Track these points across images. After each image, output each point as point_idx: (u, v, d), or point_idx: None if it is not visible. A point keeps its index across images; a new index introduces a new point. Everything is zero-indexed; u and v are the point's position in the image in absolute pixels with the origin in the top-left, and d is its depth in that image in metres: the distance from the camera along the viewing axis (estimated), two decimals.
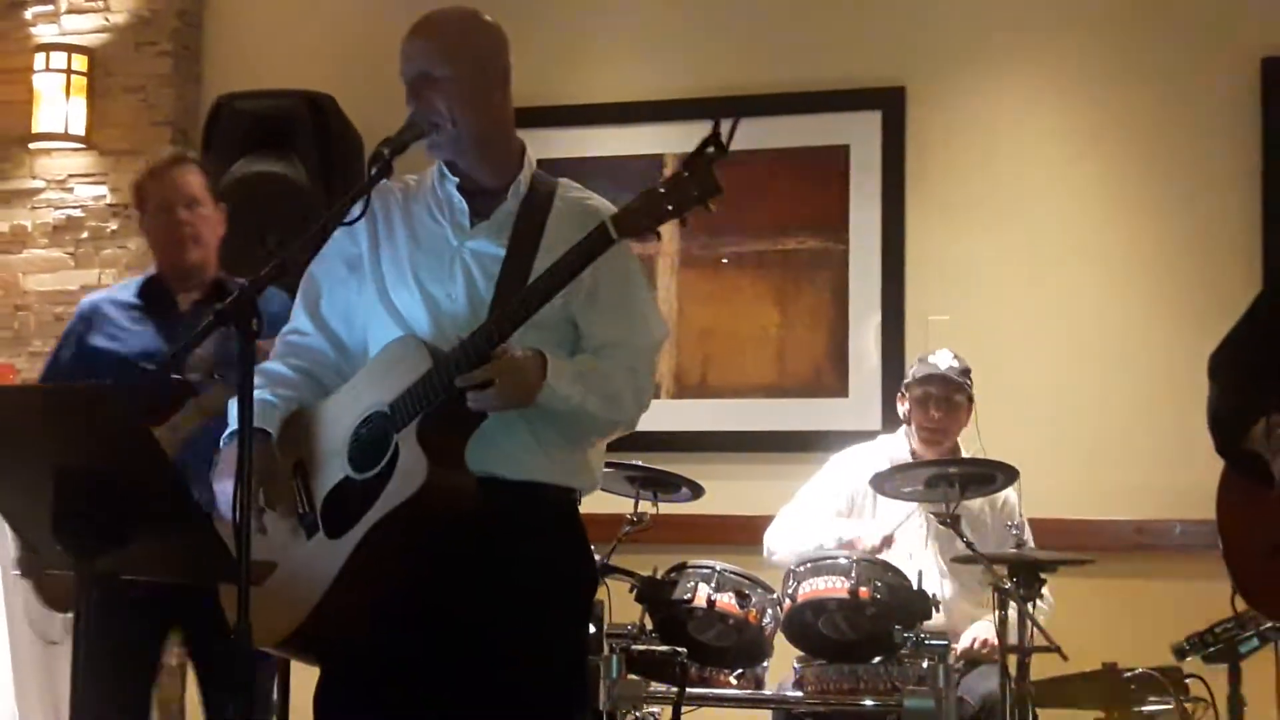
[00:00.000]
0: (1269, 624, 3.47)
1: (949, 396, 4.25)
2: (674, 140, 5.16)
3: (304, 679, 3.12)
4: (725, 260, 5.06)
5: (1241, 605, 3.37)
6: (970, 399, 4.28)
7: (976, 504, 4.18)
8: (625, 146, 5.20)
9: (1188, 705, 3.72)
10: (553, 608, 2.69)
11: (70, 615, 3.14)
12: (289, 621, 2.56)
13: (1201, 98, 4.79)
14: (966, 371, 4.29)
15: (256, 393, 2.64)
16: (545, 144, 5.04)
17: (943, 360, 4.29)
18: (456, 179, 2.75)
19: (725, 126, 2.45)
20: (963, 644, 4.00)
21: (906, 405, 4.34)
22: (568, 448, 2.72)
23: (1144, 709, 3.75)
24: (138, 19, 5.53)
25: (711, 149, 2.44)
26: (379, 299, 2.75)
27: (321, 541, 2.62)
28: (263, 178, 4.64)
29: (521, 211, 2.73)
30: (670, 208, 2.45)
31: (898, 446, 4.34)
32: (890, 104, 5.00)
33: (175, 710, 5.29)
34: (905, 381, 4.37)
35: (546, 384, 2.56)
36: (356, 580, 2.54)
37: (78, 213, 5.53)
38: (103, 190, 5.52)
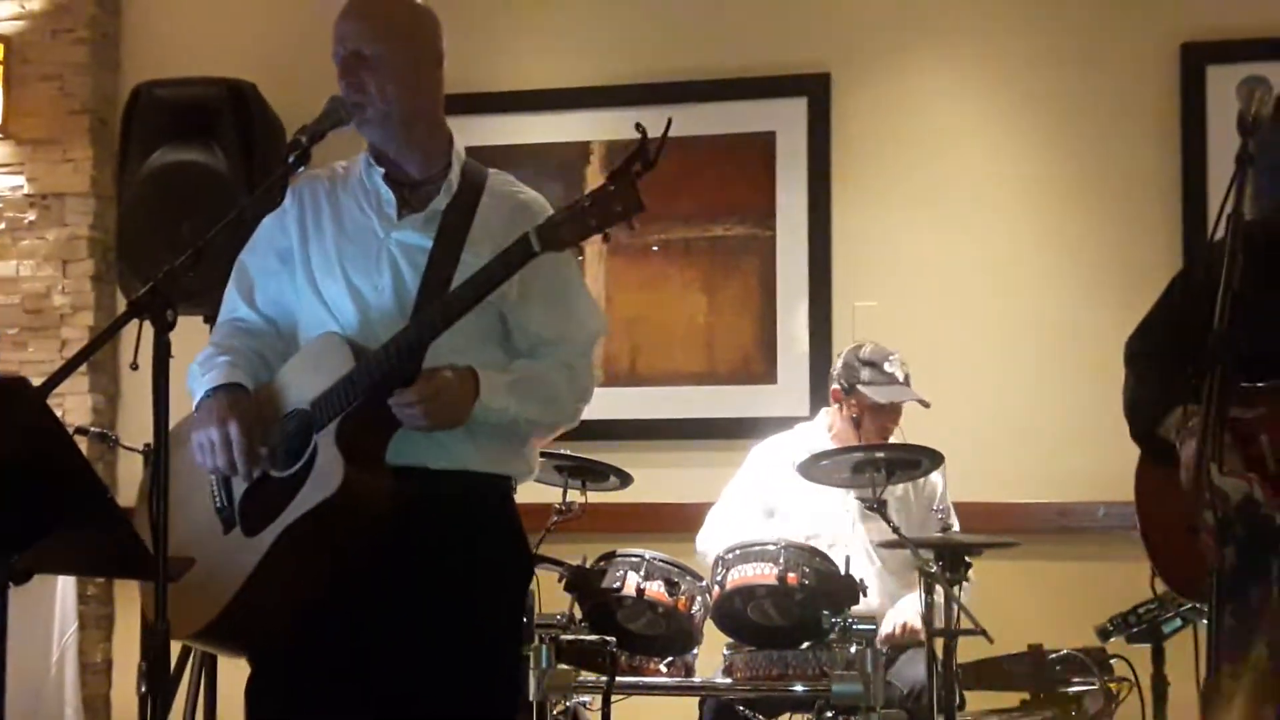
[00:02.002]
0: (1190, 604, 3.51)
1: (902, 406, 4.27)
2: (601, 127, 5.15)
3: (232, 673, 3.09)
4: (654, 248, 5.05)
5: (1161, 587, 3.40)
6: None
7: (901, 488, 4.20)
8: (552, 133, 5.19)
9: (1112, 685, 3.76)
10: (486, 598, 2.67)
11: None
12: (202, 616, 2.55)
13: (1122, 82, 4.84)
14: (908, 376, 4.29)
15: (221, 359, 2.66)
16: (472, 130, 5.00)
17: (898, 370, 4.26)
18: (383, 170, 2.72)
19: (652, 137, 2.44)
20: (884, 630, 4.02)
21: (856, 410, 4.24)
22: (501, 440, 2.71)
23: (1069, 690, 3.78)
24: (54, 5, 5.44)
25: (637, 164, 2.43)
26: (309, 289, 2.72)
27: (238, 537, 2.60)
28: (183, 166, 4.57)
29: (452, 203, 2.71)
30: (594, 223, 2.45)
31: (816, 434, 4.34)
32: (815, 91, 5.01)
33: (100, 705, 5.24)
34: (853, 381, 4.26)
35: (480, 402, 2.56)
36: (271, 578, 2.53)
37: None
38: (19, 180, 5.42)
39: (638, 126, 2.45)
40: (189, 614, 2.51)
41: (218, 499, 2.64)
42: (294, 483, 2.55)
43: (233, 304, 2.81)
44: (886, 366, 4.28)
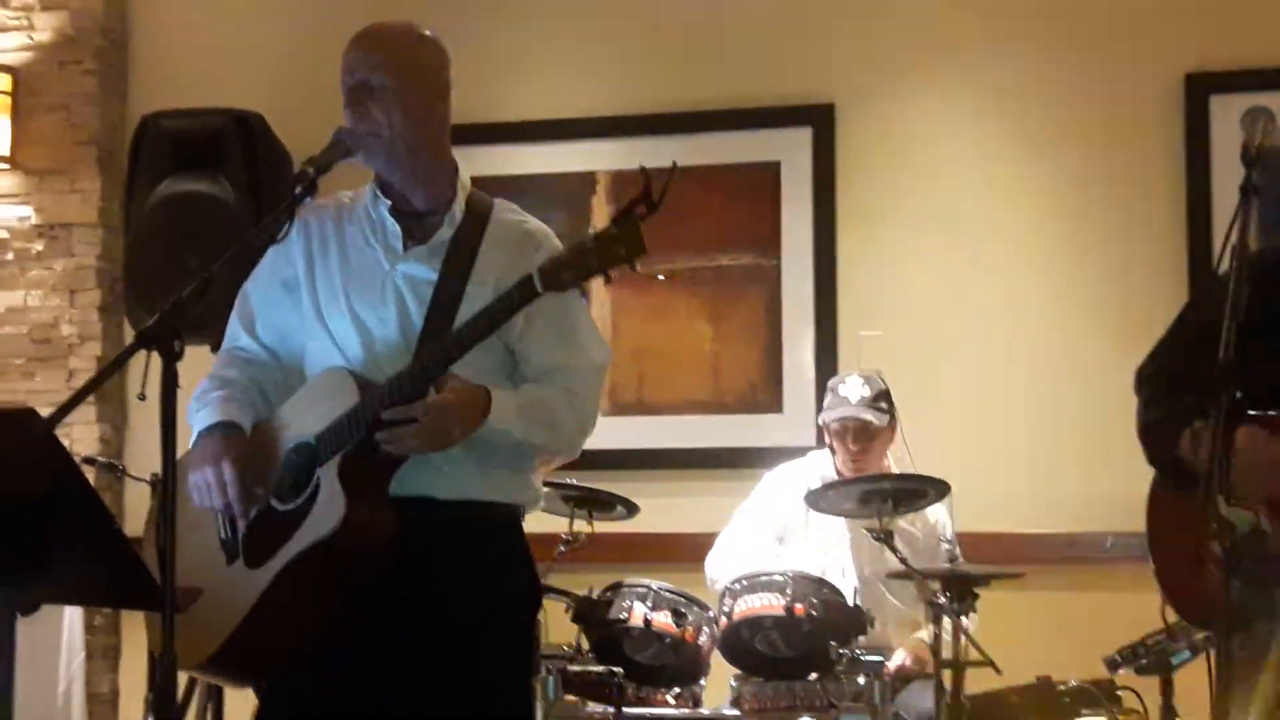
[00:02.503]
0: (1200, 635, 3.50)
1: (864, 428, 4.25)
2: (606, 157, 5.17)
3: (239, 704, 3.08)
4: (660, 277, 5.06)
5: (1172, 616, 3.39)
6: (891, 420, 4.28)
7: (908, 519, 4.19)
8: (557, 164, 5.20)
9: (1121, 717, 3.74)
10: (495, 628, 2.67)
11: None
12: (206, 647, 2.55)
13: (1127, 111, 4.85)
14: (881, 395, 4.27)
15: (217, 393, 2.65)
16: (477, 161, 5.01)
17: (853, 391, 4.27)
18: (389, 201, 2.72)
19: (656, 178, 2.44)
20: (895, 663, 4.00)
21: (827, 436, 4.33)
22: (506, 468, 2.70)
23: None
24: (62, 37, 5.46)
25: (641, 207, 2.43)
26: (315, 319, 2.72)
27: (240, 568, 2.60)
28: (190, 197, 4.58)
29: (458, 235, 2.71)
30: (596, 264, 2.45)
31: (827, 463, 4.35)
32: (820, 121, 5.02)
33: (106, 699, 5.24)
34: (822, 416, 4.36)
35: (487, 422, 2.55)
36: (273, 611, 2.53)
37: (2, 234, 5.44)
38: (27, 211, 5.44)
39: (642, 169, 2.45)
40: (193, 644, 2.51)
41: (222, 530, 2.64)
42: (297, 516, 2.55)
43: (234, 333, 2.81)
44: (841, 390, 4.30)
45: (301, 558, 2.51)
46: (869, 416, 4.22)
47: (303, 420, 2.61)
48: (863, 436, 4.24)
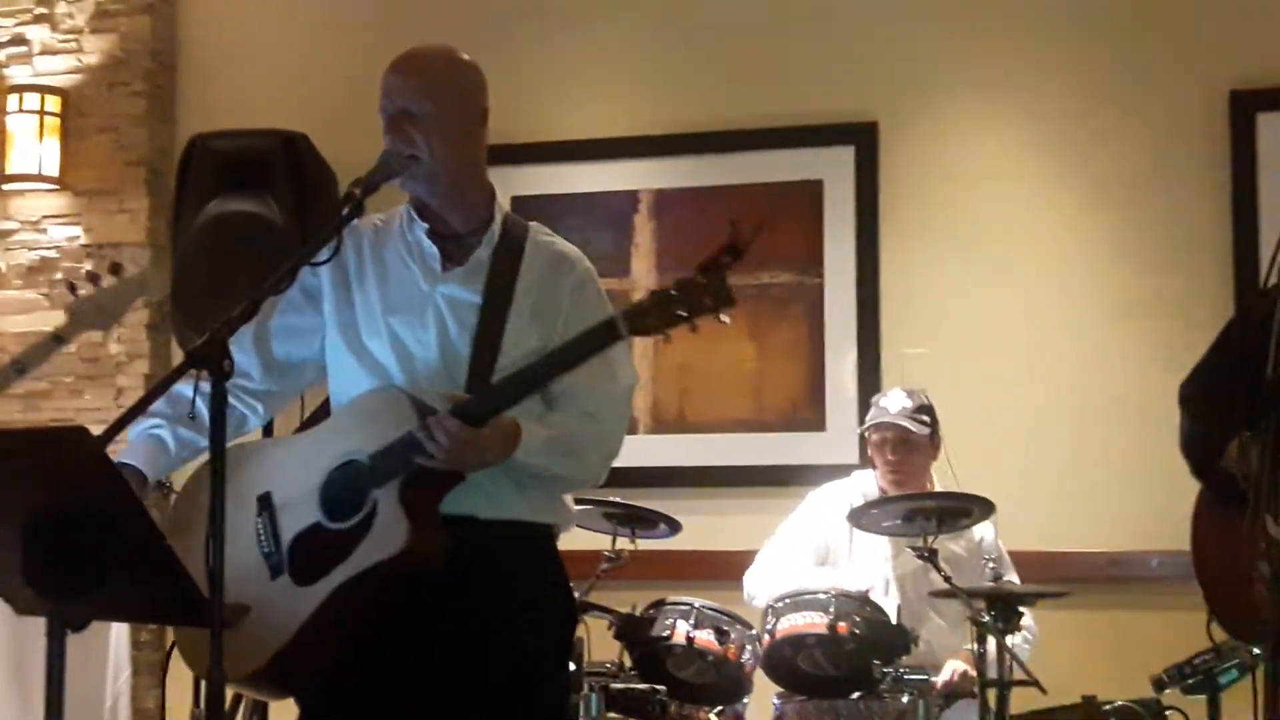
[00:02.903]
0: (1248, 654, 3.47)
1: (904, 439, 4.25)
2: (649, 176, 5.19)
3: (284, 717, 3.10)
4: (724, 320, 5.04)
5: (1219, 634, 3.37)
6: (933, 435, 4.27)
7: (953, 537, 4.17)
8: (600, 183, 5.22)
9: None
10: (536, 645, 2.68)
11: None
12: (251, 661, 2.55)
13: (1171, 128, 4.83)
14: (922, 409, 4.28)
15: (158, 430, 2.67)
16: (520, 180, 5.06)
17: (894, 402, 4.28)
18: (426, 225, 2.74)
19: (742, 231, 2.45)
20: (943, 677, 3.99)
21: (869, 450, 4.34)
22: (540, 491, 2.71)
23: None
24: (111, 59, 5.53)
25: (727, 257, 2.44)
26: (343, 340, 2.73)
27: (287, 585, 2.60)
28: (237, 217, 4.62)
29: (496, 257, 2.72)
30: (683, 313, 2.45)
31: (870, 482, 4.34)
32: (863, 139, 5.03)
33: (152, 715, 5.27)
34: (863, 427, 4.37)
35: (515, 457, 2.56)
36: (323, 630, 2.54)
37: (52, 254, 5.51)
38: (77, 231, 5.50)
39: (730, 221, 2.45)
40: (237, 659, 2.51)
41: (264, 543, 2.64)
42: (351, 537, 2.56)
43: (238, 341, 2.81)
44: (882, 402, 4.32)
45: (361, 578, 2.52)
46: (907, 424, 4.22)
47: (353, 438, 2.61)
48: (901, 448, 4.24)
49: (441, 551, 2.55)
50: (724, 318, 2.45)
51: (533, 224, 2.83)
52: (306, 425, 2.96)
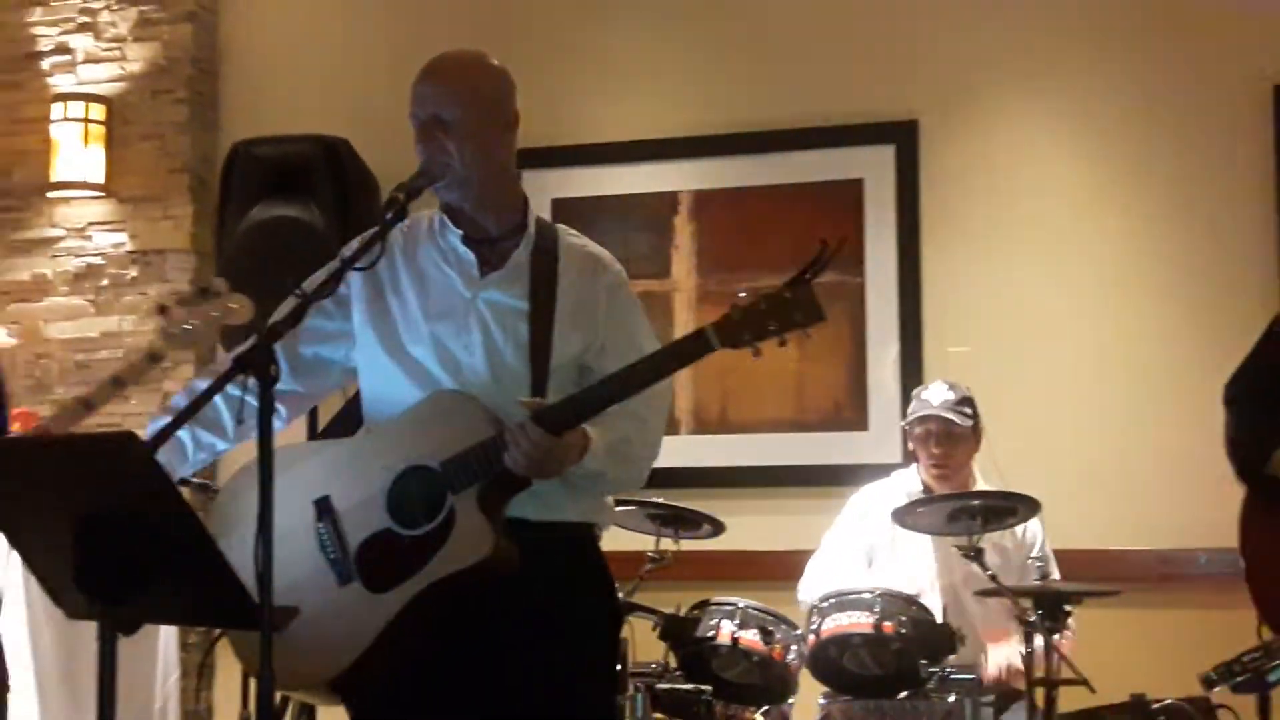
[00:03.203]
0: None
1: (947, 431, 4.23)
2: (688, 177, 5.19)
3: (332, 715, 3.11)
4: (741, 295, 5.05)
5: (1268, 634, 3.34)
6: (975, 427, 4.26)
7: (999, 536, 4.16)
8: (640, 184, 5.22)
9: None
10: (584, 646, 2.69)
11: None
12: (324, 669, 2.57)
13: (1214, 124, 4.79)
14: (965, 401, 4.27)
15: (181, 431, 2.67)
16: (560, 183, 5.07)
17: (936, 395, 4.28)
18: (460, 230, 2.75)
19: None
20: (989, 672, 3.97)
21: (912, 444, 4.33)
22: (587, 492, 2.73)
23: None
24: (154, 67, 5.58)
25: (809, 272, 2.48)
26: (384, 347, 2.73)
27: (359, 591, 2.60)
28: (280, 222, 4.67)
29: (534, 262, 2.73)
30: (773, 327, 2.50)
31: (912, 480, 4.33)
32: (903, 137, 5.01)
33: (201, 717, 5.31)
34: (905, 420, 4.36)
35: (581, 464, 2.58)
36: (401, 635, 2.55)
37: (98, 260, 5.56)
38: (122, 237, 5.55)
39: (822, 241, 2.49)
40: (304, 665, 2.54)
41: (331, 549, 2.64)
42: (426, 543, 2.56)
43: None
44: (924, 395, 4.31)
45: (442, 583, 2.53)
46: (951, 416, 4.21)
47: (420, 443, 2.61)
48: (945, 440, 4.23)
49: (516, 556, 2.57)
50: (809, 332, 2.48)
51: (560, 226, 2.84)
52: (328, 432, 2.97)
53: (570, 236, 2.82)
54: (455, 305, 2.71)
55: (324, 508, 2.66)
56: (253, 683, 2.93)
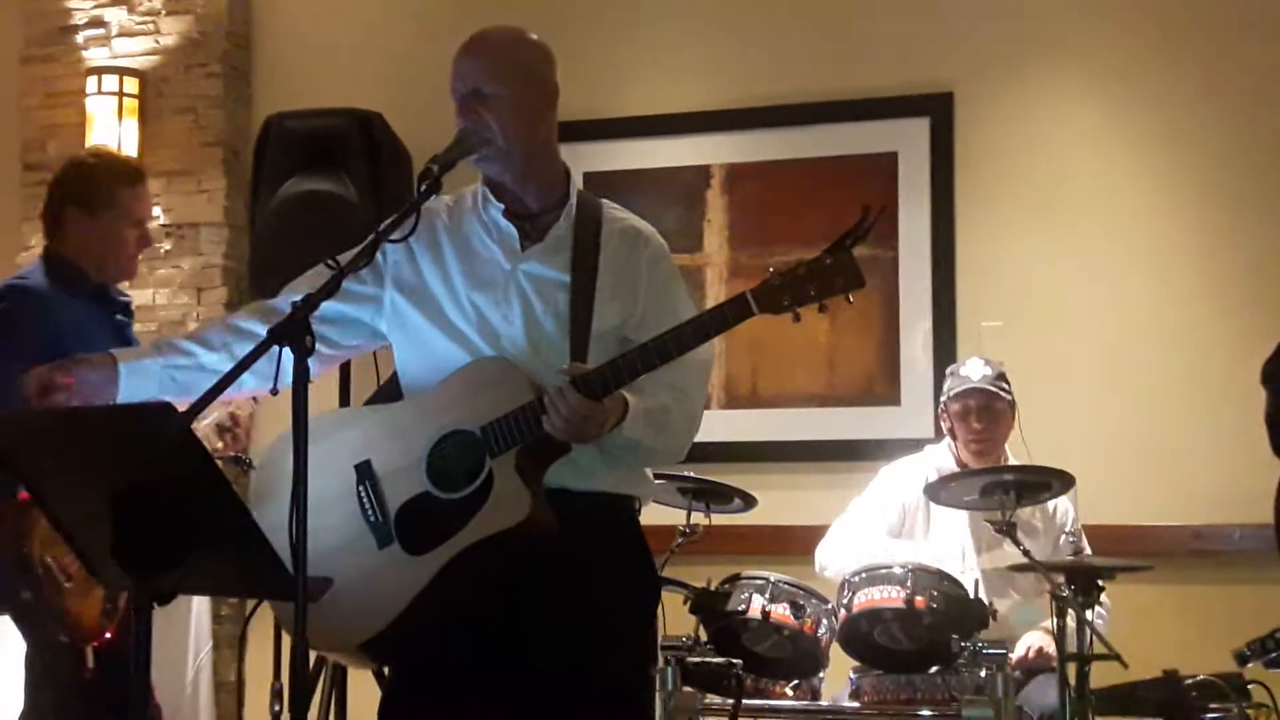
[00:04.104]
0: None
1: (988, 405, 4.23)
2: (721, 151, 5.18)
3: (361, 685, 3.12)
4: (773, 269, 5.04)
5: None
6: (1011, 403, 4.25)
7: (1030, 511, 4.15)
8: (672, 158, 5.22)
9: (1250, 711, 3.68)
10: (625, 616, 2.71)
11: None
12: (361, 631, 2.59)
13: (1257, 103, 4.74)
14: (1001, 376, 4.27)
15: (158, 359, 2.73)
16: (593, 157, 5.07)
17: (975, 370, 4.27)
18: (501, 204, 2.75)
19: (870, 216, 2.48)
20: (1017, 653, 3.97)
21: (948, 421, 4.31)
22: (626, 464, 2.73)
23: (1206, 716, 3.71)
24: (188, 41, 5.59)
25: (850, 239, 2.48)
26: (424, 315, 2.75)
27: (397, 554, 2.62)
28: (313, 196, 4.66)
29: (576, 235, 2.74)
30: (813, 293, 2.50)
31: (943, 456, 4.32)
32: (938, 110, 4.98)
33: (233, 688, 5.35)
34: (942, 398, 4.35)
35: (620, 429, 2.57)
36: (438, 597, 2.57)
37: None
38: (156, 211, 5.56)
39: (864, 207, 2.48)
40: (343, 628, 2.57)
41: (370, 513, 2.66)
42: (465, 506, 2.58)
43: (291, 290, 2.79)
44: (962, 370, 4.30)
45: (479, 546, 2.55)
46: (993, 389, 4.20)
47: (461, 408, 2.62)
48: (986, 415, 4.22)
49: (554, 519, 2.58)
50: (850, 298, 2.47)
51: (604, 200, 2.85)
52: (375, 400, 2.98)
53: (613, 210, 2.83)
54: (496, 277, 2.72)
55: (365, 472, 2.69)
56: (285, 655, 2.95)
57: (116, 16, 5.66)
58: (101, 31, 5.67)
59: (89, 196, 3.68)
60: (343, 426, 2.78)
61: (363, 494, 2.68)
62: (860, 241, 2.47)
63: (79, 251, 3.69)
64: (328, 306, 2.73)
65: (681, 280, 2.85)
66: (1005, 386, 4.25)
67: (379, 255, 2.73)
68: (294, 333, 2.30)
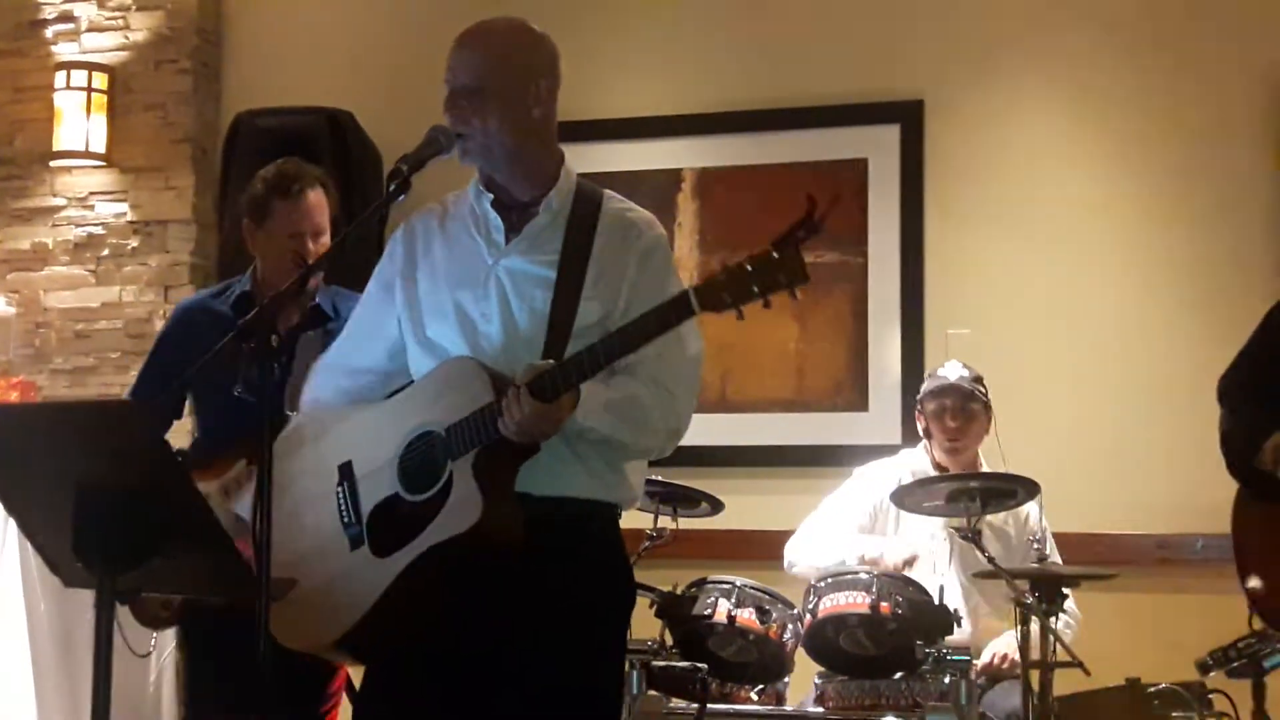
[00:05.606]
0: None
1: (963, 405, 4.26)
2: (693, 154, 5.18)
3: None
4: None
5: (1259, 624, 3.35)
6: (986, 406, 4.28)
7: (999, 518, 4.16)
8: (644, 161, 5.21)
9: None
10: (593, 626, 2.66)
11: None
12: (332, 629, 2.59)
13: (1221, 111, 4.77)
14: (978, 379, 4.31)
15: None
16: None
17: (952, 371, 4.31)
18: (492, 195, 2.74)
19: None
20: (983, 660, 3.98)
21: (924, 421, 4.34)
22: (604, 464, 2.69)
23: None
24: (158, 37, 5.56)
25: (802, 232, 2.41)
26: (408, 316, 2.74)
27: (366, 555, 2.62)
28: None
29: (570, 227, 2.71)
30: (756, 289, 2.42)
31: (919, 460, 4.33)
32: (908, 117, 5.00)
33: None
34: (919, 397, 4.37)
35: (574, 418, 2.53)
36: (400, 600, 2.56)
37: (99, 230, 5.55)
38: (123, 207, 5.54)
39: (808, 196, 2.42)
40: (315, 627, 2.57)
41: (345, 514, 2.65)
42: (428, 509, 2.56)
43: (353, 343, 2.84)
44: (940, 371, 4.32)
45: (434, 551, 2.53)
46: (969, 389, 4.24)
47: (429, 409, 2.60)
48: (961, 415, 4.24)
49: (520, 527, 2.54)
50: (796, 294, 2.41)
51: (606, 191, 2.81)
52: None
53: (613, 202, 2.79)
54: (477, 272, 2.71)
55: (345, 473, 2.68)
56: None
57: (86, 11, 5.63)
58: (71, 26, 5.64)
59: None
60: (337, 424, 2.77)
61: (340, 495, 2.67)
62: (812, 235, 2.40)
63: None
64: (394, 349, 2.76)
65: (673, 271, 2.78)
66: (982, 389, 4.28)
67: (388, 263, 2.76)
68: (260, 329, 2.29)
